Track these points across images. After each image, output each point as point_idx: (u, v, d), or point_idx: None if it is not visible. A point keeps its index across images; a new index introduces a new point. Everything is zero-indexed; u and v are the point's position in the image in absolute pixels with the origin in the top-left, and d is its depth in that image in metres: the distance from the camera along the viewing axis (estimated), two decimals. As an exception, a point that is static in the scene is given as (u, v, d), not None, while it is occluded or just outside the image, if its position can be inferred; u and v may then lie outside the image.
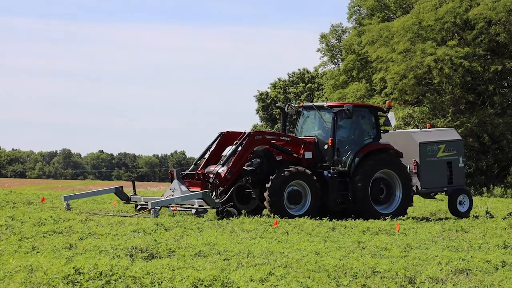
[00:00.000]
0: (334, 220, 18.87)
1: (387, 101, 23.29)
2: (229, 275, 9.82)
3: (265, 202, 20.15)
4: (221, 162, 20.55)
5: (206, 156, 21.20)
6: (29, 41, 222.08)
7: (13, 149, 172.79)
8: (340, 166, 21.50)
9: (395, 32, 47.13)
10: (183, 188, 19.87)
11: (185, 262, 11.02)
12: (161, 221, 16.69)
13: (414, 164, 22.93)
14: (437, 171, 23.08)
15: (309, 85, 76.20)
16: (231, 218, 18.38)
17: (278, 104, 22.98)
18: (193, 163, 21.60)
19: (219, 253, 12.15)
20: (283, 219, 18.50)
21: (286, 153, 21.19)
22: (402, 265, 11.18)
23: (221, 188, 20.20)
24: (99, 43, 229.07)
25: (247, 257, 11.80)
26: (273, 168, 20.48)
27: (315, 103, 22.58)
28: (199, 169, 20.67)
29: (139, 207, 20.37)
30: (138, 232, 14.64)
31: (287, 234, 15.63)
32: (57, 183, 69.41)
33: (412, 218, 20.96)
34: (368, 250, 13.24)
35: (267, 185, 20.08)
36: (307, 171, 20.57)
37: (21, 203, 21.36)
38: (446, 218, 21.85)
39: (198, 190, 19.65)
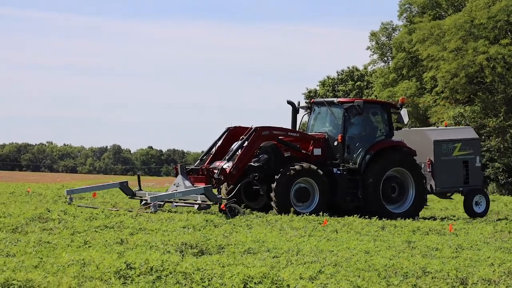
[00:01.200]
0: (383, 219, 18.71)
1: (401, 97, 22.69)
2: (278, 272, 9.81)
3: (272, 202, 19.78)
4: (226, 158, 20.12)
5: (213, 151, 20.78)
6: (79, 38, 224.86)
7: (64, 145, 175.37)
8: (350, 163, 21.03)
9: (446, 30, 46.63)
10: (187, 183, 19.49)
11: (234, 259, 11.05)
12: (211, 217, 16.79)
13: (429, 162, 22.39)
14: (453, 171, 22.51)
15: (358, 83, 75.73)
16: (239, 215, 18.04)
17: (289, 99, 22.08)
18: (199, 158, 21.19)
19: (268, 251, 12.16)
20: (297, 216, 18.21)
21: (294, 149, 20.73)
22: (453, 265, 11.05)
23: (232, 186, 20.01)
24: (147, 41, 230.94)
25: (297, 255, 11.79)
26: (281, 165, 20.03)
27: (326, 99, 22.14)
28: (202, 165, 20.20)
29: (143, 202, 19.77)
30: (188, 228, 14.73)
31: (336, 232, 15.57)
32: (107, 178, 70.26)
33: (463, 218, 20.71)
34: (418, 250, 13.11)
35: (273, 185, 19.69)
36: (313, 167, 20.07)
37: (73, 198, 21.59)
38: (498, 220, 21.51)
39: (202, 185, 19.20)
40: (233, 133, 20.83)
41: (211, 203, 18.69)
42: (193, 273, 9.54)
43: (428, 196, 22.55)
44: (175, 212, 18.76)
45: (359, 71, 76.83)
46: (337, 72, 79.24)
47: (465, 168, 22.74)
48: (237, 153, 20.06)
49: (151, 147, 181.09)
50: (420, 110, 52.74)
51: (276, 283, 9.34)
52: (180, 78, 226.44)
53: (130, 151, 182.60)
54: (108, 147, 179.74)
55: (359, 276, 10.07)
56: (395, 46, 56.77)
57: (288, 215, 18.57)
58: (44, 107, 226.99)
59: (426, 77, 50.20)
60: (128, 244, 12.23)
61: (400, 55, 55.30)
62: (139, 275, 9.37)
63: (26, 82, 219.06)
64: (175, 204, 19.48)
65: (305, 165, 20.04)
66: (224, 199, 18.87)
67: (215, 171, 19.52)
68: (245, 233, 14.48)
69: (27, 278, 8.66)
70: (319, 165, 20.41)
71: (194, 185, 19.39)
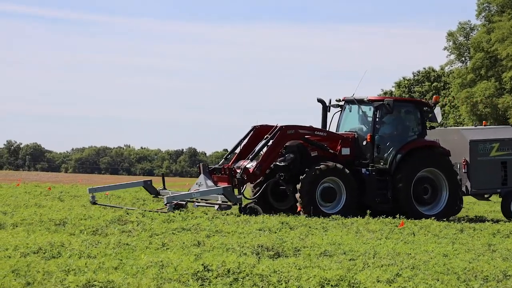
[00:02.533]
0: (462, 222, 18.39)
1: (434, 96, 22.01)
2: (355, 275, 9.77)
3: (297, 203, 19.35)
4: (250, 157, 19.68)
5: (238, 150, 20.29)
6: (153, 40, 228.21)
7: (141, 148, 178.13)
8: (381, 163, 20.48)
9: (526, 29, 45.57)
10: (209, 182, 19.15)
11: (311, 261, 11.03)
12: (286, 220, 16.83)
13: (464, 163, 21.68)
14: (490, 171, 21.73)
15: (434, 84, 74.67)
16: (258, 214, 17.82)
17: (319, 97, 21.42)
18: (224, 157, 20.89)
19: (344, 253, 12.10)
20: (323, 217, 17.97)
21: (321, 149, 20.23)
22: (535, 269, 10.78)
23: (258, 186, 19.70)
24: (220, 43, 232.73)
25: (373, 257, 11.70)
26: (308, 164, 19.52)
27: (356, 97, 21.38)
28: (226, 164, 19.87)
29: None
30: (264, 231, 14.79)
31: (414, 235, 15.39)
32: (183, 181, 71.02)
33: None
34: (499, 253, 12.83)
35: (298, 186, 19.24)
36: (339, 166, 19.56)
37: (150, 200, 21.94)
38: None
39: (224, 185, 18.90)
40: (259, 132, 20.29)
41: (231, 203, 18.42)
42: (270, 276, 9.57)
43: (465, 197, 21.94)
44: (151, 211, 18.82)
45: (436, 71, 75.73)
46: (413, 73, 78.30)
47: (504, 169, 21.96)
48: (261, 152, 19.70)
49: (227, 149, 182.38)
50: (499, 110, 51.66)
51: (353, 286, 9.30)
52: (258, 80, 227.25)
53: (205, 153, 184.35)
54: (184, 150, 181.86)
55: (438, 279, 9.93)
56: (473, 46, 55.76)
57: (319, 217, 18.18)
58: (122, 110, 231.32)
59: (506, 77, 49.17)
60: (205, 246, 12.34)
61: (478, 55, 54.29)
62: (216, 277, 9.45)
63: (104, 85, 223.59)
64: (196, 204, 19.16)
65: (331, 164, 19.55)
66: (250, 199, 18.66)
67: (238, 170, 19.21)
68: (321, 236, 14.46)
69: (107, 279, 8.84)
70: (347, 165, 19.92)
71: (217, 185, 19.05)
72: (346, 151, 20.44)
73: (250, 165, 19.33)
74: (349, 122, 21.51)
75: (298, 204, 19.16)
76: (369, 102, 20.90)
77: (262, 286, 9.21)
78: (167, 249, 12.00)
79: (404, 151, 20.41)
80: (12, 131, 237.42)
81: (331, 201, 19.56)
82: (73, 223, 14.66)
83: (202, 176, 19.41)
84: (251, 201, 19.11)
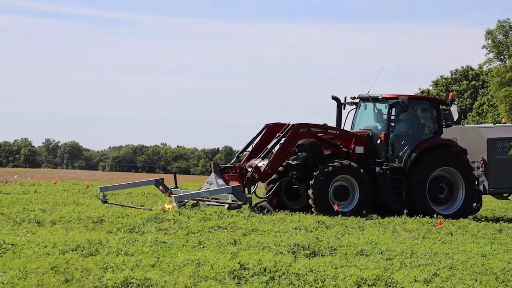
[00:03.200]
0: (500, 222, 18.19)
1: (450, 93, 21.49)
2: (392, 275, 9.72)
3: (309, 200, 19.11)
4: (261, 156, 19.36)
5: (250, 148, 20.02)
6: (197, 41, 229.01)
7: (178, 146, 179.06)
8: (396, 162, 20.18)
9: None
10: (220, 181, 18.94)
11: (347, 260, 11.01)
12: (323, 219, 16.80)
13: (482, 162, 21.26)
14: (508, 170, 21.22)
15: (473, 82, 74.00)
16: (270, 213, 17.68)
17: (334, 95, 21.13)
18: (236, 155, 20.62)
19: (381, 253, 12.05)
20: (334, 216, 17.72)
21: (334, 147, 19.97)
22: None
23: (272, 185, 19.51)
24: (262, 41, 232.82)
25: (410, 257, 11.63)
26: (320, 163, 19.25)
27: (371, 94, 21.01)
28: (237, 163, 19.58)
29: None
30: (300, 230, 14.77)
31: (451, 235, 15.26)
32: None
33: None
34: (538, 253, 12.67)
35: (311, 182, 18.98)
36: (353, 164, 19.30)
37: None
38: None
39: (235, 184, 18.65)
40: (272, 130, 19.97)
41: (240, 202, 18.22)
42: (306, 274, 9.57)
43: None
44: (286, 213, 18.80)
45: (474, 70, 75.04)
46: (450, 72, 77.69)
47: None
48: (273, 150, 19.44)
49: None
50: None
51: (390, 286, 9.26)
52: (298, 79, 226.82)
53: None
54: (220, 149, 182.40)
55: (476, 280, 9.85)
56: (512, 44, 55.16)
57: (330, 216, 17.89)
58: (159, 109, 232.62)
59: (545, 75, 48.54)
60: (241, 245, 12.36)
61: (517, 53, 53.69)
62: (252, 276, 9.47)
63: (141, 85, 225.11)
64: (207, 203, 18.86)
65: (344, 162, 19.32)
66: (262, 197, 18.44)
67: (249, 169, 18.99)
68: (357, 235, 14.41)
69: (144, 277, 8.91)
70: (361, 163, 19.68)
71: (229, 184, 18.86)
72: (360, 149, 20.17)
73: (262, 163, 19.12)
74: (364, 120, 21.26)
75: (336, 203, 19.03)
76: (384, 100, 20.62)
77: (299, 285, 9.20)
78: (203, 247, 12.05)
79: (419, 149, 20.16)
80: (51, 130, 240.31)
81: (344, 200, 19.33)
82: (111, 221, 14.79)
83: (213, 175, 19.25)
84: (262, 199, 18.93)
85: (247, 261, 9.95)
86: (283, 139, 19.44)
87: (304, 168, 19.40)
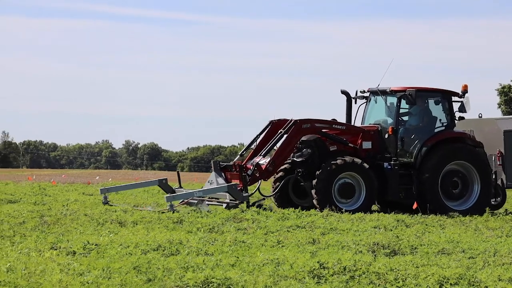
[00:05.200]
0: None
1: (463, 84, 20.52)
2: (475, 274, 9.55)
3: (313, 200, 18.53)
4: (262, 153, 18.86)
5: (254, 146, 19.55)
6: (253, 40, 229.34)
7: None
8: (406, 157, 19.53)
9: None
10: (220, 180, 18.53)
11: (428, 259, 10.87)
12: (402, 217, 16.64)
13: (499, 154, 20.29)
14: None
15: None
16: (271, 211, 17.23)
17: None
18: (239, 153, 20.17)
19: (463, 251, 11.85)
20: (493, 216, 17.26)
21: (340, 143, 19.35)
22: None
23: (278, 183, 19.11)
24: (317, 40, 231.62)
25: (494, 256, 11.40)
26: (326, 159, 18.66)
27: (380, 88, 20.30)
28: (238, 161, 19.18)
29: (181, 200, 18.53)
30: (379, 228, 14.66)
31: (536, 233, 14.88)
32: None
33: None
34: None
35: (314, 182, 18.44)
36: (357, 160, 18.68)
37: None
38: None
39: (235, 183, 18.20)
40: (276, 127, 19.38)
41: (236, 202, 17.74)
42: (387, 273, 9.48)
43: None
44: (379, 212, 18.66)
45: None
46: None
47: None
48: (275, 147, 19.00)
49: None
50: None
51: (473, 285, 9.09)
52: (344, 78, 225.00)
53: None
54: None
55: None
56: None
57: (337, 212, 17.60)
58: (235, 109, 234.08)
59: None
60: (320, 244, 12.34)
61: None
62: (332, 275, 9.44)
63: (218, 85, 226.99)
64: (207, 203, 18.40)
65: (348, 159, 18.73)
66: (267, 196, 18.22)
67: (250, 167, 18.61)
68: (438, 233, 14.21)
69: (225, 276, 8.97)
70: (368, 159, 19.10)
71: (230, 182, 18.44)
72: (367, 144, 19.56)
73: (263, 161, 18.70)
74: (374, 114, 20.64)
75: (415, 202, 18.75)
76: (392, 92, 20.00)
77: (379, 284, 9.13)
78: (282, 246, 12.07)
79: (430, 143, 19.50)
80: (131, 132, 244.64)
81: (350, 198, 18.84)
82: (190, 221, 14.96)
83: (213, 173, 18.95)
84: (261, 199, 18.64)
85: (326, 260, 9.92)
86: (285, 135, 19.00)
87: (310, 164, 18.79)
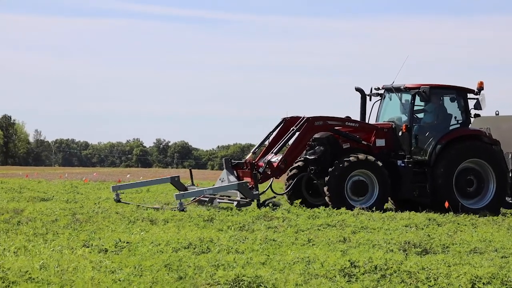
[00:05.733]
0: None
1: (478, 81, 20.17)
2: (508, 273, 9.46)
3: (326, 197, 18.38)
4: (274, 151, 18.78)
5: (267, 143, 19.41)
6: (276, 39, 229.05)
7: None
8: (421, 155, 19.26)
9: None
10: (232, 178, 18.39)
11: (460, 258, 10.80)
12: (434, 216, 16.55)
13: None
14: None
15: None
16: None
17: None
18: (251, 151, 19.94)
19: (496, 250, 11.76)
20: (472, 214, 17.11)
21: (353, 140, 19.15)
22: None
23: (291, 181, 18.92)
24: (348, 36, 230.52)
25: (527, 255, 11.29)
26: (339, 157, 18.50)
27: (394, 85, 20.06)
28: (250, 158, 19.03)
29: (192, 198, 18.60)
30: (411, 227, 14.60)
31: None
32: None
33: None
34: None
35: (326, 179, 18.28)
36: (370, 158, 18.48)
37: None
38: None
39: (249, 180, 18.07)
40: (289, 124, 19.23)
41: (247, 200, 17.59)
42: (418, 272, 9.44)
43: None
44: (393, 210, 18.57)
45: None
46: None
47: None
48: (287, 145, 18.87)
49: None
50: None
51: (506, 284, 9.02)
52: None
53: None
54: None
55: None
56: None
57: (351, 209, 17.36)
58: (265, 108, 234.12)
59: None
60: (351, 243, 12.32)
61: None
62: (363, 274, 9.42)
63: (251, 84, 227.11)
64: (218, 201, 18.33)
65: (361, 156, 18.54)
66: (279, 194, 18.26)
67: (261, 165, 18.46)
68: (470, 232, 14.11)
69: (255, 274, 8.98)
70: (382, 156, 18.91)
71: (242, 180, 18.32)
72: (381, 142, 19.40)
73: (275, 159, 18.59)
74: (389, 112, 20.45)
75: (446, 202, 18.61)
76: (406, 89, 19.77)
77: (411, 283, 9.09)
78: (313, 245, 12.06)
79: (445, 141, 19.30)
80: (161, 130, 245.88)
81: (362, 195, 18.68)
82: (221, 219, 15.00)
83: (224, 171, 18.86)
84: (271, 197, 18.43)
85: (357, 259, 9.90)
86: (297, 133, 18.89)
87: (323, 162, 18.63)
